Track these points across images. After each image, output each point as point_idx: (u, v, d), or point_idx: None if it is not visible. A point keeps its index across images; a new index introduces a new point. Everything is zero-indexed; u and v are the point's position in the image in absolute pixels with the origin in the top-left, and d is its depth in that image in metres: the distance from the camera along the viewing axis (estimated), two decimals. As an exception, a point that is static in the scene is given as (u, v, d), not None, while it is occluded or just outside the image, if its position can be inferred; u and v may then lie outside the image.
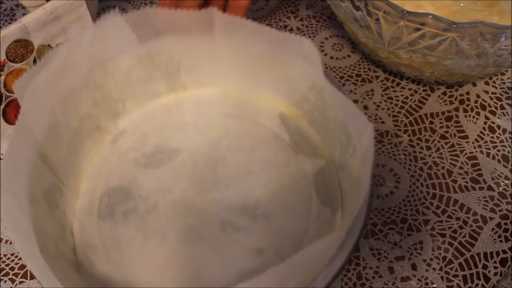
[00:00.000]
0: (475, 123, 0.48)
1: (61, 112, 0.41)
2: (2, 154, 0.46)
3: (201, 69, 0.46)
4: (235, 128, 0.45)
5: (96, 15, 0.59)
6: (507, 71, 0.52)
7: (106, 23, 0.40)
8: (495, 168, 0.45)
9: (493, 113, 0.49)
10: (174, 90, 0.47)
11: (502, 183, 0.44)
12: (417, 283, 0.40)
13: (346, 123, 0.37)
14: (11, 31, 0.44)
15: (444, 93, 0.50)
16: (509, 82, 0.51)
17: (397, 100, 0.50)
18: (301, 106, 0.43)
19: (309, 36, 0.56)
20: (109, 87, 0.44)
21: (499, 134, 0.48)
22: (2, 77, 0.46)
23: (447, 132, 0.48)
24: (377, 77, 0.52)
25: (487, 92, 0.50)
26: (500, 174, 0.45)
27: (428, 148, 0.47)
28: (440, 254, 0.41)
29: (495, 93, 0.50)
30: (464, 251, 0.41)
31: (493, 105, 0.50)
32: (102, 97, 0.44)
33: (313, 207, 0.40)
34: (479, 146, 0.47)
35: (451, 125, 0.48)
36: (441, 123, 0.48)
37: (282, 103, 0.45)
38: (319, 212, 0.40)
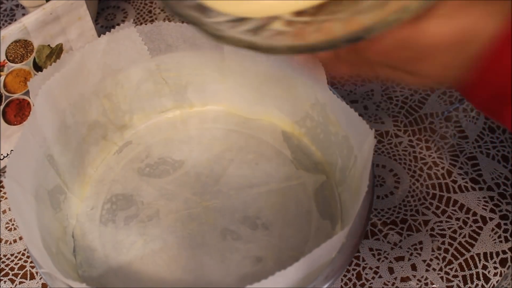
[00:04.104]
0: (475, 123, 0.48)
1: (71, 117, 0.41)
2: (1, 154, 0.46)
3: (208, 87, 0.47)
4: (238, 144, 0.46)
5: (96, 15, 0.59)
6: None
7: (120, 33, 0.41)
8: (495, 169, 0.45)
9: (493, 113, 0.49)
10: (181, 107, 0.48)
11: (501, 184, 0.44)
12: (417, 284, 0.40)
13: (347, 135, 0.38)
14: (11, 31, 0.44)
15: (444, 93, 0.50)
16: (509, 82, 0.51)
17: (397, 100, 0.50)
18: (304, 124, 0.44)
19: (309, 36, 0.56)
20: (118, 97, 0.45)
21: (499, 134, 0.47)
22: (2, 78, 0.46)
23: (447, 132, 0.48)
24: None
25: (487, 92, 0.50)
26: (500, 175, 0.45)
27: (428, 148, 0.47)
28: (440, 254, 0.41)
29: (495, 93, 0.50)
30: (464, 251, 0.41)
31: (493, 105, 0.49)
32: (110, 107, 0.45)
33: (313, 220, 0.41)
34: (479, 147, 0.47)
35: (451, 125, 0.48)
36: (441, 123, 0.48)
37: (285, 121, 0.46)
38: (319, 225, 0.40)
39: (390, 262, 0.41)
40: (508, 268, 0.40)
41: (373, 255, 0.41)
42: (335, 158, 0.41)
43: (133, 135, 0.47)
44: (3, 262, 0.43)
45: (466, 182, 0.45)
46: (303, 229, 0.40)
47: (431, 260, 0.41)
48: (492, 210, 0.43)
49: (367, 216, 0.35)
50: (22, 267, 0.43)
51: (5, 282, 0.42)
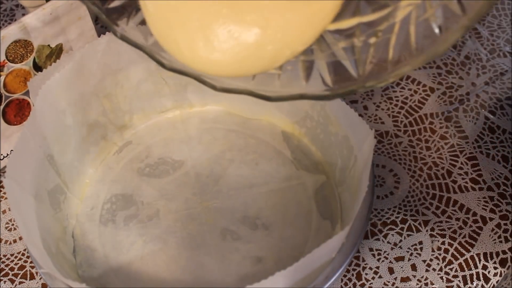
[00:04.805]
0: (475, 123, 0.48)
1: (71, 117, 0.41)
2: (1, 154, 0.46)
3: (207, 87, 0.46)
4: (238, 144, 0.46)
5: (96, 15, 0.59)
6: (506, 71, 0.52)
7: None
8: (494, 169, 0.45)
9: (493, 113, 0.49)
10: (181, 107, 0.48)
11: (501, 184, 0.44)
12: (417, 284, 0.40)
13: (347, 135, 0.38)
14: (11, 31, 0.44)
15: (444, 93, 0.50)
16: (509, 82, 0.51)
17: (397, 100, 0.50)
18: (304, 124, 0.44)
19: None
20: (118, 97, 0.45)
21: (499, 134, 0.47)
22: (2, 78, 0.46)
23: (447, 132, 0.48)
24: (377, 77, 0.52)
25: (487, 92, 0.50)
26: (500, 175, 0.45)
27: (428, 148, 0.47)
28: (440, 254, 0.41)
29: (495, 93, 0.50)
30: (464, 251, 0.41)
31: (493, 105, 0.50)
32: (110, 107, 0.45)
33: (313, 220, 0.41)
34: (479, 147, 0.47)
35: (451, 125, 0.48)
36: (441, 123, 0.48)
37: (285, 121, 0.46)
38: (319, 225, 0.40)
39: (390, 262, 0.41)
40: (508, 268, 0.40)
41: (373, 255, 0.41)
42: (335, 158, 0.41)
43: (133, 135, 0.47)
44: (3, 262, 0.43)
45: (466, 182, 0.45)
46: (303, 229, 0.40)
47: (431, 260, 0.41)
48: (492, 210, 0.43)
49: (367, 216, 0.35)
50: (22, 267, 0.43)
51: (5, 282, 0.42)
